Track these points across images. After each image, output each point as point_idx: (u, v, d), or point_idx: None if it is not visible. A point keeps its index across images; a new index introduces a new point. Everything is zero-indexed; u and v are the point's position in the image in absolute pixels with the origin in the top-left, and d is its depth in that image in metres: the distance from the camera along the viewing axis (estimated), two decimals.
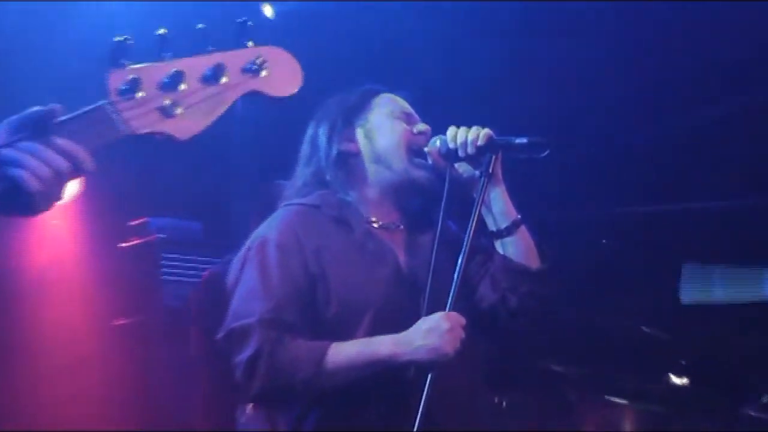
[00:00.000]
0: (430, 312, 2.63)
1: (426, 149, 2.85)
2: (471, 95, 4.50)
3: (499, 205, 2.86)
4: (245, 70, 1.87)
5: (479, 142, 2.82)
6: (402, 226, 2.90)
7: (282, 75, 1.88)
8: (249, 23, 1.86)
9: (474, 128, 2.85)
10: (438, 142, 2.89)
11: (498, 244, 2.90)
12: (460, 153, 2.84)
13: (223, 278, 2.81)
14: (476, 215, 2.76)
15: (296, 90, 1.86)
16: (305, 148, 2.92)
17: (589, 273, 4.85)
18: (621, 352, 5.17)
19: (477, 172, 2.84)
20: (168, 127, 1.82)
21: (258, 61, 1.87)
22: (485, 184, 2.80)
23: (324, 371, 2.58)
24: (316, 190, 2.85)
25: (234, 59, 1.87)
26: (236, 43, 1.89)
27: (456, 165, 2.89)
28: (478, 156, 2.83)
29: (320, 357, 2.59)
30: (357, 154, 2.88)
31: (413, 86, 3.02)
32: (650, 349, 5.19)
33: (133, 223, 5.13)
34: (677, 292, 4.99)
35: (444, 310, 2.62)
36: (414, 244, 2.87)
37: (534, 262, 2.87)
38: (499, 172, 2.86)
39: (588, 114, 4.63)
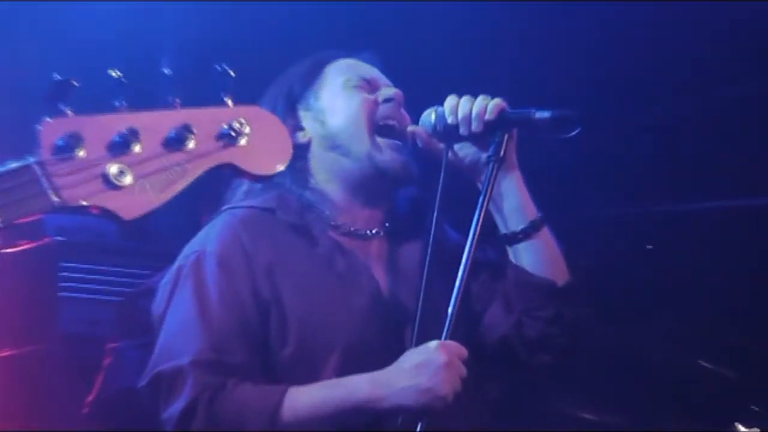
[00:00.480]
0: (420, 343, 2.64)
1: (410, 128, 2.85)
2: (470, 61, 4.54)
3: (513, 200, 2.85)
4: (220, 136, 1.90)
5: (488, 116, 2.80)
6: (380, 233, 2.90)
7: (266, 146, 1.92)
8: (230, 73, 1.90)
9: (481, 98, 2.84)
10: (432, 116, 2.89)
11: (511, 252, 2.90)
12: (462, 130, 2.82)
13: (147, 303, 2.85)
14: (482, 214, 2.74)
15: (283, 167, 1.90)
16: None
17: (630, 289, 4.83)
18: (673, 395, 5.13)
19: (484, 156, 2.84)
20: (111, 201, 1.84)
21: (237, 126, 1.90)
22: (494, 172, 2.78)
23: (279, 424, 2.59)
24: (269, 188, 2.86)
25: (206, 120, 1.90)
26: (211, 98, 1.93)
27: (456, 147, 2.89)
28: (486, 134, 2.82)
29: (274, 406, 2.60)
30: (309, 144, 2.92)
31: (393, 49, 3.09)
32: (712, 391, 5.15)
33: (21, 220, 5.07)
34: (751, 317, 4.82)
35: (438, 339, 2.61)
36: (397, 256, 2.88)
37: (560, 276, 2.87)
38: (513, 156, 2.86)
39: (612, 89, 4.66)
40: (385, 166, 2.83)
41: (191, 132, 1.86)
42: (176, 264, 2.79)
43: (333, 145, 2.89)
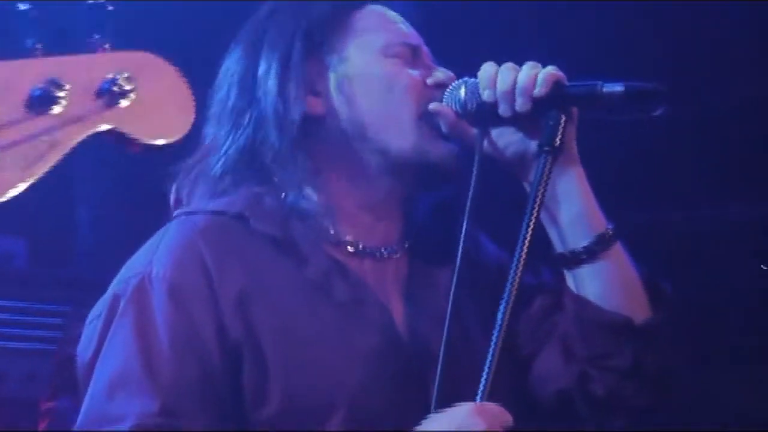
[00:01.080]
0: (444, 404, 2.39)
1: (432, 107, 2.62)
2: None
3: (573, 206, 2.61)
4: (99, 93, 1.80)
5: (538, 90, 2.53)
6: (398, 252, 2.69)
7: (161, 106, 1.84)
8: (109, 7, 1.83)
9: (528, 66, 2.55)
10: (462, 91, 2.61)
11: (572, 278, 2.63)
12: (503, 110, 2.55)
13: (71, 347, 2.62)
14: (532, 225, 2.47)
15: (183, 134, 1.84)
16: (227, 99, 2.67)
17: (736, 326, 4.48)
18: None
19: (533, 146, 2.58)
20: None
21: (121, 79, 1.80)
22: (548, 168, 2.52)
23: None
24: (241, 185, 2.62)
25: (80, 72, 1.80)
26: (84, 42, 1.84)
27: (494, 133, 2.63)
28: (536, 115, 2.55)
29: None
30: (324, 120, 2.63)
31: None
32: None
33: None
34: None
35: (472, 399, 2.36)
36: (420, 282, 2.68)
37: (639, 310, 2.60)
38: (573, 145, 2.58)
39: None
40: (438, 161, 2.61)
41: (61, 88, 1.78)
42: (110, 292, 2.53)
43: (362, 134, 2.63)
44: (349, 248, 2.64)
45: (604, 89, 2.51)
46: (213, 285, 2.49)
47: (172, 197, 2.69)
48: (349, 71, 2.66)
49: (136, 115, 1.83)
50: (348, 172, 2.66)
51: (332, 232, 2.63)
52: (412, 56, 2.69)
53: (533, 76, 2.55)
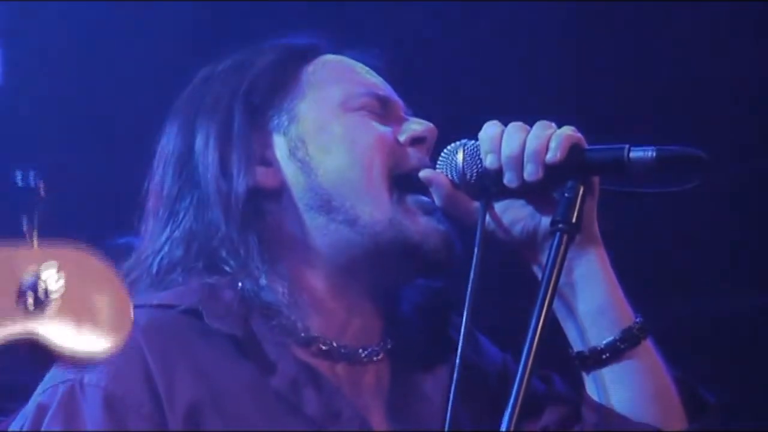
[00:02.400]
0: None
1: (423, 174, 2.46)
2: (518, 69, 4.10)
3: (594, 295, 2.43)
4: (20, 296, 1.64)
5: (551, 156, 2.36)
6: (379, 353, 2.50)
7: (93, 311, 1.66)
8: (39, 190, 1.71)
9: (539, 126, 2.39)
10: (459, 156, 2.44)
11: (592, 382, 2.44)
12: (509, 179, 2.39)
13: None
14: (544, 318, 2.28)
15: (115, 346, 1.66)
16: (162, 184, 2.50)
17: None
18: None
19: (545, 222, 2.42)
20: None
21: (46, 278, 1.63)
22: (564, 249, 2.34)
23: None
24: (191, 276, 2.46)
25: None
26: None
27: (498, 206, 2.48)
28: (549, 186, 2.41)
29: None
30: (278, 193, 2.48)
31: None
32: None
33: None
34: None
35: None
36: (405, 391, 2.51)
37: (674, 422, 2.43)
38: (594, 221, 2.43)
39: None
40: (419, 241, 2.43)
41: None
42: (33, 402, 2.36)
43: (324, 204, 2.45)
44: (321, 346, 2.44)
45: (632, 155, 2.31)
46: (158, 398, 2.31)
47: None
48: (302, 132, 2.48)
49: (62, 322, 1.67)
50: (312, 254, 2.48)
51: (300, 327, 2.42)
52: (382, 109, 2.52)
53: (546, 139, 2.35)
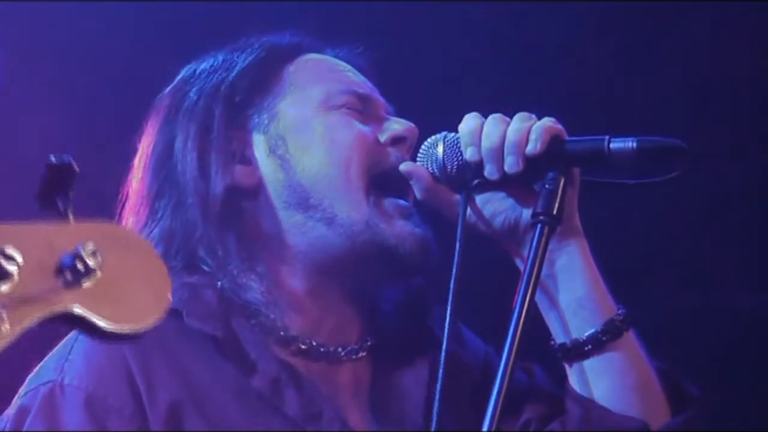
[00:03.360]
0: None
1: (404, 167, 2.45)
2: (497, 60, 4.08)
3: (576, 287, 2.43)
4: (59, 271, 1.64)
5: (532, 148, 2.35)
6: (359, 351, 2.51)
7: (129, 288, 1.68)
8: (74, 167, 1.69)
9: (519, 117, 2.38)
10: (440, 149, 2.45)
11: (574, 375, 2.44)
12: (489, 171, 2.38)
13: None
14: (525, 310, 2.28)
15: (155, 319, 1.67)
16: (143, 184, 2.50)
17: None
18: None
19: (526, 214, 2.42)
20: None
21: (85, 255, 1.64)
22: (545, 241, 2.35)
23: None
24: (173, 273, 2.31)
25: (36, 243, 1.65)
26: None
27: (479, 199, 2.47)
28: (530, 178, 2.41)
29: None
30: (257, 191, 2.48)
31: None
32: None
33: None
34: None
35: None
36: (386, 388, 2.51)
37: (657, 413, 2.42)
38: (575, 213, 2.42)
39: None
40: (395, 244, 2.42)
41: (12, 262, 1.62)
42: (15, 405, 2.37)
43: (302, 202, 2.45)
44: (301, 345, 2.43)
45: (613, 145, 2.31)
46: (140, 398, 2.30)
47: None
48: (282, 130, 2.46)
49: (100, 297, 1.67)
50: (290, 252, 2.46)
51: (280, 327, 2.41)
52: (363, 108, 2.50)
53: (526, 130, 2.34)
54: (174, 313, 2.35)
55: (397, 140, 2.46)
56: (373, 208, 2.44)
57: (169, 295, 1.70)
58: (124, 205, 2.49)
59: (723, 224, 4.23)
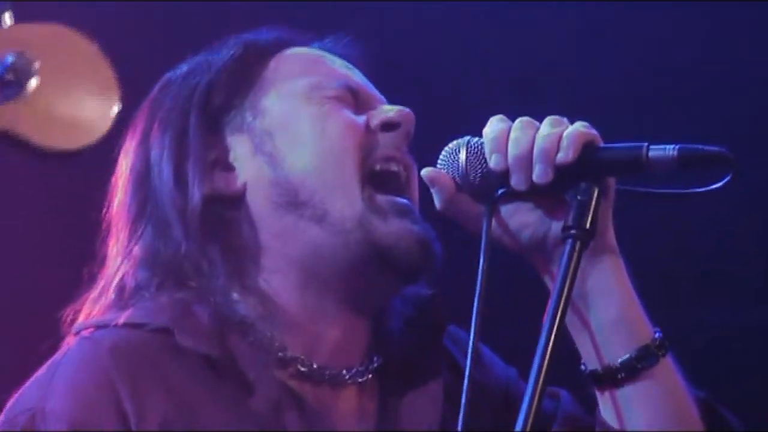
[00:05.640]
0: None
1: (426, 173, 2.34)
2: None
3: (609, 308, 2.30)
4: None
5: (564, 155, 2.24)
6: (365, 373, 2.40)
7: (73, 97, 1.70)
8: None
9: (549, 122, 2.26)
10: (462, 155, 2.33)
11: (606, 404, 2.31)
12: (517, 181, 2.28)
13: None
14: (555, 332, 2.13)
15: (102, 130, 1.73)
16: (121, 203, 2.41)
17: None
18: None
19: (555, 228, 2.30)
20: None
21: (20, 63, 1.67)
22: (577, 258, 2.21)
23: None
24: (159, 292, 2.37)
25: None
26: None
27: (505, 210, 2.36)
28: (560, 188, 2.28)
29: None
30: (241, 197, 2.38)
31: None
32: None
33: None
34: None
35: None
36: (396, 415, 2.40)
37: None
38: (610, 227, 2.31)
39: None
40: (390, 244, 2.31)
41: None
42: None
43: (291, 200, 2.34)
44: (300, 368, 2.32)
45: (651, 154, 2.18)
46: (129, 425, 2.20)
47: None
48: (268, 125, 2.35)
49: (38, 110, 1.65)
50: (281, 261, 2.34)
51: (278, 346, 2.32)
52: (354, 100, 2.39)
53: (557, 136, 2.20)
54: (164, 332, 2.27)
55: (389, 125, 2.36)
56: (366, 204, 2.33)
57: (115, 102, 1.63)
58: (107, 232, 2.40)
59: None
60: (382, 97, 2.42)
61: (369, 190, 2.32)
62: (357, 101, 2.38)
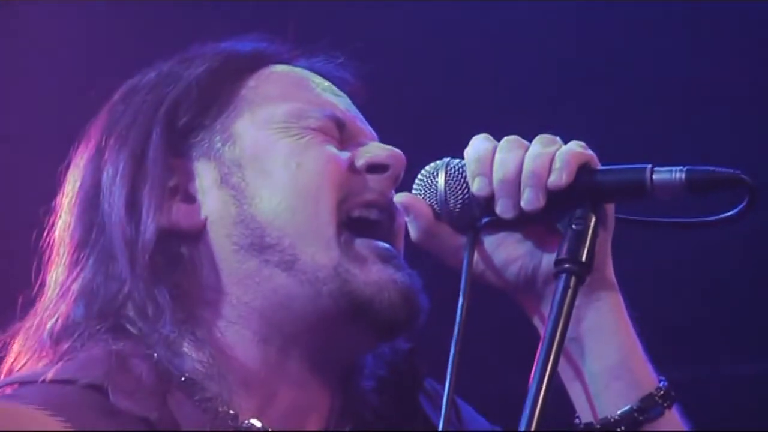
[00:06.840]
0: None
1: (400, 198, 2.20)
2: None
3: (608, 352, 2.17)
4: None
5: (556, 178, 2.10)
6: None
7: None
8: None
9: (540, 141, 2.14)
10: (441, 178, 2.20)
11: None
12: (503, 208, 2.14)
13: None
14: (546, 379, 1.99)
15: None
16: (65, 227, 2.24)
17: None
18: None
19: (546, 261, 2.16)
20: None
21: None
22: (572, 295, 2.05)
23: None
24: (93, 341, 2.18)
25: None
26: None
27: (488, 241, 2.22)
28: (552, 216, 2.15)
29: None
30: (200, 234, 2.22)
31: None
32: None
33: None
34: None
35: None
36: None
37: None
38: (608, 261, 2.17)
39: None
40: (369, 296, 2.15)
41: None
42: None
43: (256, 242, 2.18)
44: (240, 428, 2.18)
45: (656, 177, 2.04)
46: None
47: None
48: (238, 155, 2.20)
49: None
50: (241, 310, 2.19)
51: (226, 409, 2.14)
52: (339, 133, 2.24)
53: (548, 157, 2.07)
54: (97, 390, 2.08)
55: (375, 167, 2.21)
56: (343, 250, 2.16)
57: None
58: (48, 258, 2.21)
59: None
60: (373, 132, 2.28)
61: (346, 235, 2.16)
62: (342, 134, 2.23)
